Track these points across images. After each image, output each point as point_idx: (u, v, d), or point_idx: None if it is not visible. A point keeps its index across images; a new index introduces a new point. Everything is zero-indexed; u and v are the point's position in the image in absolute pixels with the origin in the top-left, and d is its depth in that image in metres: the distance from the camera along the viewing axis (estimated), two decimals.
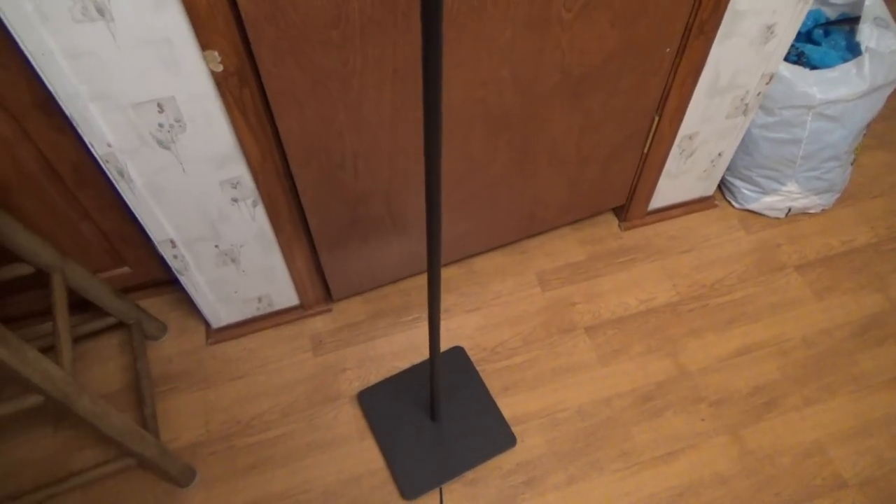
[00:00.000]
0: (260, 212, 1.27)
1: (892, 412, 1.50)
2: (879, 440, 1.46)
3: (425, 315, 1.61)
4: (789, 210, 1.76)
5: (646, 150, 1.53)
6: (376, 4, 0.97)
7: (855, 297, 1.66)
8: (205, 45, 0.95)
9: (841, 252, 1.74)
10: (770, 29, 1.33)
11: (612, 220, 1.78)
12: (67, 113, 0.98)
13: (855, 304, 1.65)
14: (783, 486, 1.39)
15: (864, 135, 1.68)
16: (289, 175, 1.22)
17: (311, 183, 1.22)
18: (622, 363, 1.55)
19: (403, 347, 1.56)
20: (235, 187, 1.20)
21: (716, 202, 1.81)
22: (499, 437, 1.43)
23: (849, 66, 1.49)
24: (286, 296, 1.52)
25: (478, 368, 1.53)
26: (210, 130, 1.08)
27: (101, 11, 0.88)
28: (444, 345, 1.56)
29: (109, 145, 1.04)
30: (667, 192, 1.71)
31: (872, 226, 1.79)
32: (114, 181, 1.10)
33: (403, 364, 1.53)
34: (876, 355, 1.57)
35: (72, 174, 1.20)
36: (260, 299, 1.50)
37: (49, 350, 1.11)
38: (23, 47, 0.88)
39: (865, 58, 1.49)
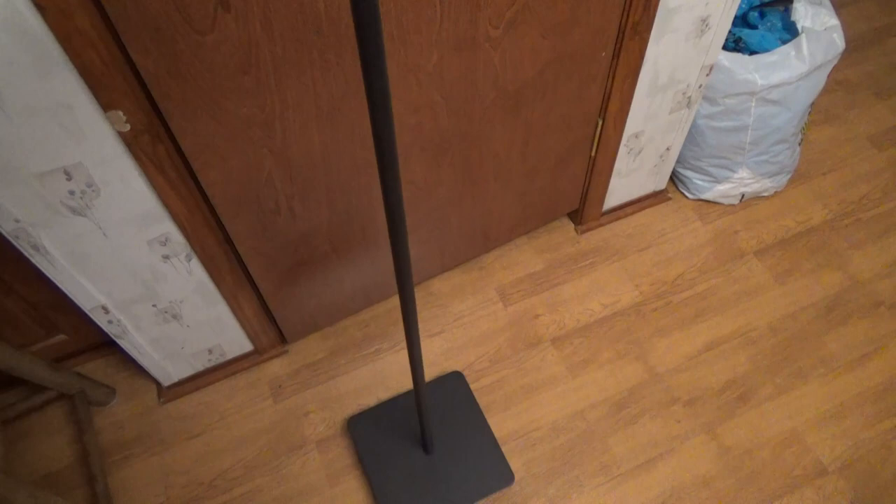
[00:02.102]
0: (196, 265, 1.20)
1: (862, 391, 1.49)
2: (854, 421, 1.45)
3: (387, 345, 1.55)
4: (743, 196, 1.75)
5: (593, 154, 1.49)
6: (287, 45, 0.91)
7: (816, 277, 1.65)
8: (106, 105, 0.88)
9: (797, 233, 1.73)
10: (704, 21, 1.29)
11: (567, 225, 1.74)
12: None
13: (817, 284, 1.64)
14: (765, 480, 1.38)
15: (809, 113, 1.67)
16: (222, 225, 1.14)
17: (245, 232, 1.15)
18: (592, 372, 1.52)
19: (368, 382, 1.50)
20: (165, 244, 1.12)
21: (669, 195, 1.79)
22: (496, 472, 1.36)
23: (787, 49, 1.47)
24: (238, 343, 1.45)
25: None
26: (127, 192, 1.00)
27: None
28: (405, 374, 1.50)
29: (17, 220, 0.96)
30: (619, 190, 1.67)
31: (825, 203, 1.78)
32: (28, 256, 1.02)
33: (370, 401, 1.47)
34: (842, 335, 1.57)
35: None
36: (211, 350, 1.43)
37: None
38: None
39: (803, 38, 1.47)
